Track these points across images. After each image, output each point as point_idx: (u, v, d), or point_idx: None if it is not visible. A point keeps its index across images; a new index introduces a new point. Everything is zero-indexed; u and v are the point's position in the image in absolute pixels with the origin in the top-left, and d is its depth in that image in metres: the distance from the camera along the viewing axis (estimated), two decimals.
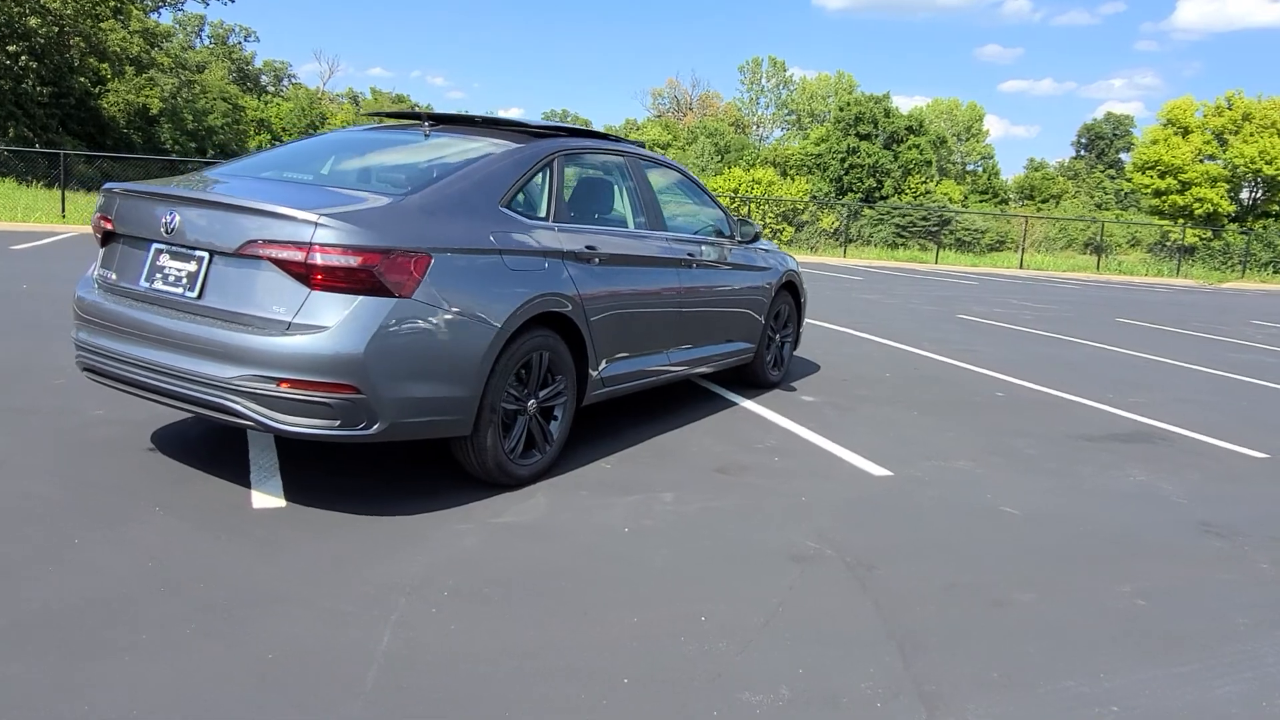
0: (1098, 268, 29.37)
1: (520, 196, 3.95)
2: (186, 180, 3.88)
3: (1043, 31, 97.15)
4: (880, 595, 3.17)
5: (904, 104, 55.95)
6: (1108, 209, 57.63)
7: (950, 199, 52.26)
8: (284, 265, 3.18)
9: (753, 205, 30.85)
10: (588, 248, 4.16)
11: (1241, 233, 37.27)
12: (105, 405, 4.60)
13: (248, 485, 3.69)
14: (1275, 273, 32.30)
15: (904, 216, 41.31)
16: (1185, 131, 42.99)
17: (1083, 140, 72.33)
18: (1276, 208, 43.21)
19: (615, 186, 4.80)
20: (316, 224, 3.15)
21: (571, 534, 3.50)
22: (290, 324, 3.18)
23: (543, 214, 4.06)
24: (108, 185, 3.75)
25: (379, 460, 4.09)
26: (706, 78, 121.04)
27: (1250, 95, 42.38)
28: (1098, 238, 38.65)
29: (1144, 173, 43.51)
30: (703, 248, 5.20)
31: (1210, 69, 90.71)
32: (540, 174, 4.09)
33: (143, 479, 3.69)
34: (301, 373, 3.14)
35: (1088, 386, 7.38)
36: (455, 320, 3.44)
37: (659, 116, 63.91)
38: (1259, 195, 43.74)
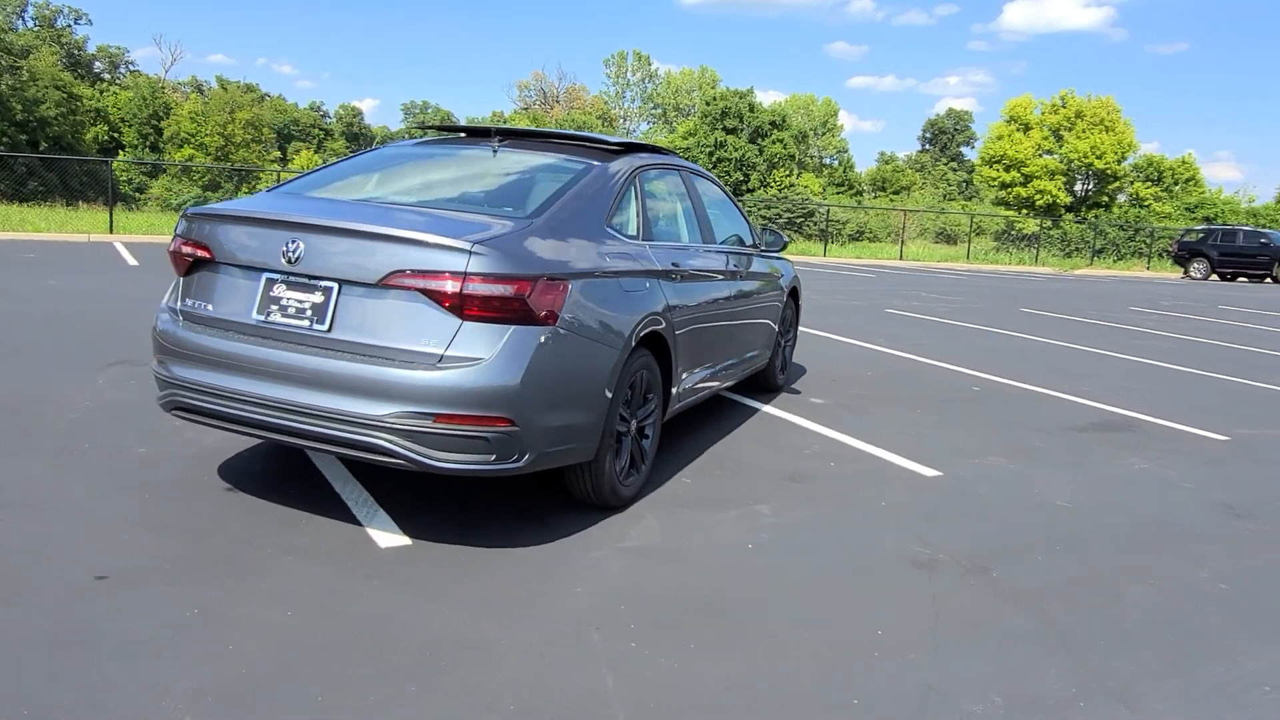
0: (968, 257, 31.19)
1: (618, 216, 3.92)
2: (271, 203, 3.63)
3: (885, 30, 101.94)
4: (1014, 596, 3.35)
5: (764, 99, 57.42)
6: (953, 199, 61.12)
7: (811, 191, 54.18)
8: (434, 296, 3.05)
9: None
10: (674, 265, 4.16)
11: (1077, 222, 40.36)
12: (145, 442, 4.26)
13: (357, 522, 3.52)
14: (1116, 260, 35.21)
15: (770, 209, 42.60)
16: (1026, 128, 46.15)
17: (927, 134, 76.42)
18: (1105, 199, 47.02)
19: (678, 201, 4.81)
20: (470, 252, 3.03)
21: (702, 555, 3.53)
22: (442, 356, 3.05)
23: (633, 232, 4.04)
24: (190, 210, 3.47)
25: (466, 489, 3.97)
26: (573, 70, 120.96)
27: (1081, 94, 45.91)
28: (948, 228, 40.97)
29: (990, 166, 46.46)
30: (739, 258, 5.28)
31: (1035, 68, 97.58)
32: (628, 192, 4.06)
33: (245, 522, 3.46)
34: (459, 407, 3.03)
35: (1040, 376, 7.90)
36: (588, 346, 3.40)
37: (525, 109, 63.29)
38: (1090, 187, 47.48)
